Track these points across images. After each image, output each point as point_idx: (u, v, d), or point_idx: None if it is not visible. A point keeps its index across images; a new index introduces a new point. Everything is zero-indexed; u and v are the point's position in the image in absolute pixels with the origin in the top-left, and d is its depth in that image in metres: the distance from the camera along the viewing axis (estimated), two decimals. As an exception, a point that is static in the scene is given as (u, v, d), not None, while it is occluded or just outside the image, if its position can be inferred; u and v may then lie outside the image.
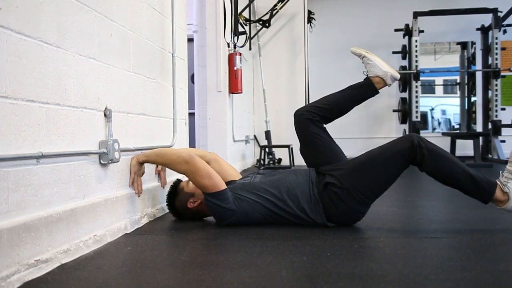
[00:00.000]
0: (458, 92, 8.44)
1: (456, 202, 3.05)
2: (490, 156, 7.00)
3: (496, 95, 6.99)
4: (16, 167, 1.37)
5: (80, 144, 1.73)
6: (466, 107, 8.25)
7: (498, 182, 2.01)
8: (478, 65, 7.83)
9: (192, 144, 5.16)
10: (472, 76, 8.09)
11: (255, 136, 6.65)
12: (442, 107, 8.97)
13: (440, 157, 2.01)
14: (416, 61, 6.98)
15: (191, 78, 5.33)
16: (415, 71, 6.94)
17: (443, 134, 7.84)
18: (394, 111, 8.02)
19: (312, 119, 2.24)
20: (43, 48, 1.52)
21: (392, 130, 8.28)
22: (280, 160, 6.10)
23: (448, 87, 8.99)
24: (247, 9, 5.67)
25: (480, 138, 6.73)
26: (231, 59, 4.88)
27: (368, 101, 2.34)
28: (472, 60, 8.12)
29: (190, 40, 4.77)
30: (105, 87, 1.93)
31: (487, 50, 7.37)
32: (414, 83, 6.98)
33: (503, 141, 6.84)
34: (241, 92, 5.04)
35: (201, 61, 4.84)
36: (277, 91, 6.61)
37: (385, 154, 2.06)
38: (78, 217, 1.66)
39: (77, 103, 1.72)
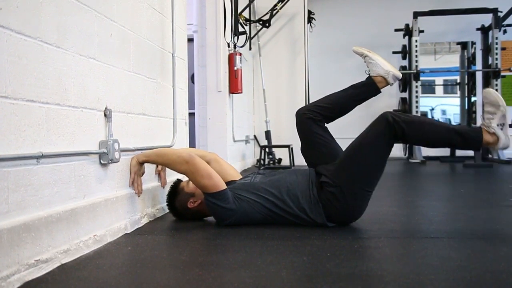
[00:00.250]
0: (458, 92, 8.44)
1: (456, 202, 3.05)
2: (490, 156, 7.00)
3: (496, 95, 6.98)
4: (16, 167, 1.37)
5: (80, 144, 1.73)
6: (466, 107, 8.25)
7: (482, 126, 2.04)
8: (478, 65, 7.83)
9: (192, 144, 5.16)
10: (472, 76, 8.09)
11: (255, 136, 6.65)
12: (442, 107, 8.97)
13: (419, 124, 2.02)
14: (416, 61, 6.99)
15: (191, 78, 5.33)
16: (415, 71, 6.95)
17: (443, 134, 7.83)
18: (394, 111, 8.01)
19: (314, 119, 2.24)
20: (43, 48, 1.52)
21: (392, 130, 8.27)
22: (280, 160, 6.10)
23: (448, 87, 8.99)
24: (247, 9, 5.67)
25: (480, 138, 6.72)
26: (231, 59, 4.88)
27: (368, 101, 2.34)
28: (472, 60, 8.12)
29: (190, 40, 4.77)
30: (105, 87, 1.93)
31: (487, 50, 7.37)
32: (414, 83, 6.98)
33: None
34: (241, 92, 5.04)
35: (201, 61, 4.84)
36: (277, 91, 6.61)
37: (367, 141, 2.06)
38: (78, 217, 1.66)
39: (77, 103, 1.72)
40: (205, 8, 4.68)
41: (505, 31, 7.23)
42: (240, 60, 4.94)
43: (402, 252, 1.71)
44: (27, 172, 1.42)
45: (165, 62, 2.68)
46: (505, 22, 7.13)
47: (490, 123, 2.01)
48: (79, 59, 1.73)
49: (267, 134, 6.13)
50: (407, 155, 7.72)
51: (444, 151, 7.57)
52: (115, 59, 2.03)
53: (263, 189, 2.13)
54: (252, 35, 6.08)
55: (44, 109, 1.51)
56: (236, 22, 4.95)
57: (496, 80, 6.99)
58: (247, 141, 6.07)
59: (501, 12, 6.99)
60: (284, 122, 6.40)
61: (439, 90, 9.13)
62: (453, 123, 8.82)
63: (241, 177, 2.38)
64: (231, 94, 4.98)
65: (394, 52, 7.75)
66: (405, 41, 7.57)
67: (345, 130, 7.34)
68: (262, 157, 5.86)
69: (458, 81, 8.45)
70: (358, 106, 2.31)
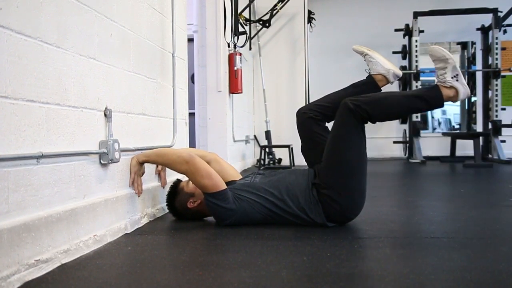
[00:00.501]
0: (459, 92, 8.43)
1: (456, 202, 3.05)
2: (490, 156, 7.00)
3: (496, 95, 6.99)
4: (16, 167, 1.37)
5: (80, 144, 1.73)
6: (466, 107, 8.25)
7: (438, 84, 2.08)
8: (478, 65, 7.84)
9: (192, 144, 5.16)
10: (472, 76, 8.09)
11: (255, 136, 6.65)
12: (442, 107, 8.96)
13: (379, 101, 2.06)
14: (416, 61, 6.99)
15: (191, 78, 5.33)
16: (415, 71, 6.95)
17: (443, 134, 7.85)
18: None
19: (315, 118, 2.24)
20: (43, 48, 1.52)
21: (392, 130, 8.29)
22: (280, 160, 6.10)
23: (448, 87, 8.98)
24: (247, 9, 5.68)
25: (480, 138, 6.73)
26: (231, 59, 4.88)
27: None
28: (472, 60, 8.13)
29: (190, 40, 4.77)
30: (105, 87, 1.93)
31: (487, 50, 7.38)
32: (414, 83, 6.98)
33: (503, 141, 6.84)
34: (241, 92, 5.04)
35: (201, 61, 4.84)
36: (277, 91, 6.61)
37: (340, 135, 2.07)
38: (78, 217, 1.66)
39: (77, 103, 1.72)
40: (205, 8, 4.68)
41: (505, 31, 7.23)
42: (240, 60, 4.94)
43: (402, 252, 1.71)
44: (27, 172, 1.42)
45: (165, 62, 2.68)
46: (505, 22, 7.13)
47: (445, 78, 2.06)
48: (79, 59, 1.73)
49: (267, 134, 6.13)
50: (407, 155, 7.72)
51: (445, 151, 7.57)
52: (115, 59, 2.03)
53: (263, 189, 2.13)
54: (252, 35, 6.08)
55: (44, 109, 1.51)
56: (236, 22, 4.95)
57: (496, 80, 7.00)
58: (247, 141, 6.07)
59: (501, 12, 6.99)
60: (284, 122, 6.40)
61: (439, 90, 9.12)
62: (453, 123, 8.83)
63: (241, 177, 2.38)
64: (231, 94, 4.98)
65: (394, 52, 7.76)
66: (405, 41, 7.57)
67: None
68: (262, 157, 5.86)
69: (458, 81, 8.45)
70: None
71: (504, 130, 6.88)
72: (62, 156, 1.60)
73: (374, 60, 2.24)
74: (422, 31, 7.16)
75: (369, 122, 2.08)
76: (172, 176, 2.61)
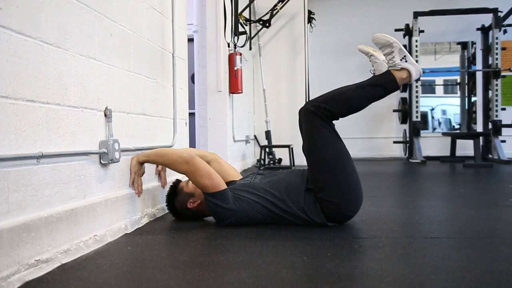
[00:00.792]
0: (459, 92, 8.44)
1: (457, 202, 3.05)
2: (490, 156, 7.00)
3: (497, 95, 6.99)
4: (17, 167, 1.37)
5: (80, 144, 1.73)
6: (466, 107, 8.25)
7: (389, 69, 2.12)
8: (479, 65, 7.84)
9: (192, 144, 5.16)
10: (472, 76, 8.10)
11: (255, 136, 6.65)
12: (443, 107, 8.97)
13: (336, 97, 2.10)
14: (417, 61, 6.96)
15: (191, 78, 5.33)
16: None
17: (444, 134, 7.85)
18: (394, 111, 8.02)
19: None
20: (44, 48, 1.52)
21: (392, 130, 8.29)
22: (280, 160, 6.10)
23: (449, 87, 8.99)
24: (247, 9, 5.68)
25: (481, 138, 6.74)
26: (231, 59, 4.88)
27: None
28: (472, 60, 8.13)
29: (190, 40, 4.77)
30: (105, 87, 1.93)
31: (487, 50, 7.38)
32: (414, 83, 6.98)
33: (504, 141, 6.84)
34: (241, 92, 5.04)
35: (201, 61, 4.84)
36: (277, 91, 6.61)
37: (312, 139, 2.09)
38: (78, 217, 1.66)
39: (78, 103, 1.72)
40: (205, 8, 4.68)
41: (505, 31, 7.23)
42: (240, 60, 4.94)
43: (402, 252, 1.71)
44: (27, 172, 1.42)
45: (165, 62, 2.68)
46: (505, 22, 7.13)
47: (394, 61, 2.10)
48: (79, 59, 1.73)
49: (267, 134, 6.13)
50: (407, 155, 7.72)
51: (445, 151, 7.57)
52: (115, 59, 2.03)
53: (263, 190, 2.13)
54: (252, 35, 6.08)
55: (44, 109, 1.51)
56: (236, 22, 4.95)
57: (496, 80, 6.99)
58: (247, 141, 6.06)
59: (501, 12, 6.99)
60: (284, 122, 6.40)
61: (439, 90, 9.13)
62: (453, 123, 8.83)
63: (241, 177, 2.38)
64: (231, 94, 4.98)
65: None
66: (406, 41, 7.56)
67: (344, 130, 7.35)
68: (262, 157, 5.86)
69: (458, 81, 8.46)
70: None
71: (504, 130, 6.89)
72: (62, 156, 1.60)
73: (379, 61, 2.22)
74: (422, 31, 7.16)
75: (339, 119, 2.11)
76: (172, 176, 2.61)
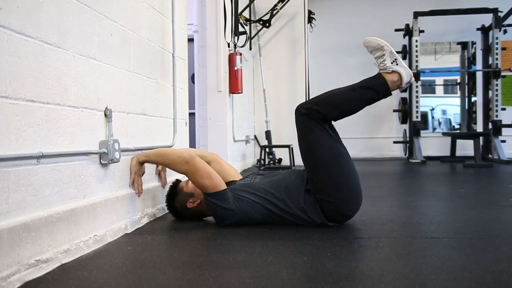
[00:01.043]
0: (459, 92, 8.44)
1: (457, 202, 3.05)
2: (490, 156, 7.00)
3: (497, 95, 6.99)
4: (17, 167, 1.37)
5: (80, 144, 1.73)
6: (466, 107, 8.25)
7: (380, 72, 2.13)
8: (479, 65, 7.83)
9: (192, 144, 5.16)
10: (472, 76, 8.10)
11: (255, 136, 6.65)
12: (443, 107, 8.97)
13: (328, 99, 2.10)
14: (417, 61, 6.99)
15: (192, 78, 5.33)
16: (415, 71, 6.94)
17: (444, 134, 7.85)
18: (394, 111, 8.02)
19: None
20: (44, 48, 1.52)
21: (393, 130, 8.29)
22: (280, 160, 6.10)
23: (449, 87, 8.99)
24: (248, 9, 5.68)
25: (481, 138, 6.74)
26: (231, 59, 4.88)
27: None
28: (472, 60, 8.13)
29: (191, 40, 4.77)
30: (105, 87, 1.93)
31: (487, 50, 7.38)
32: (414, 83, 6.98)
33: (504, 141, 6.84)
34: (242, 92, 5.04)
35: (201, 61, 4.84)
36: (277, 91, 6.61)
37: (307, 141, 2.10)
38: (78, 217, 1.66)
39: (78, 103, 1.72)
40: (206, 8, 4.68)
41: (505, 31, 7.23)
42: (240, 60, 4.94)
43: (402, 252, 1.71)
44: (28, 172, 1.42)
45: (166, 62, 2.68)
46: (505, 22, 7.13)
47: (385, 64, 2.11)
48: (79, 59, 1.73)
49: (267, 134, 6.13)
50: (407, 155, 7.72)
51: (445, 151, 7.57)
52: (115, 59, 2.03)
53: (263, 190, 2.13)
54: (252, 35, 6.08)
55: (44, 109, 1.51)
56: (236, 22, 4.95)
57: (496, 80, 6.99)
58: (247, 141, 6.06)
59: (501, 12, 6.99)
60: (284, 122, 6.40)
61: (439, 90, 9.13)
62: (453, 123, 8.83)
63: (241, 177, 2.38)
64: (231, 94, 4.98)
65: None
66: (406, 41, 7.57)
67: (344, 130, 7.35)
68: (262, 157, 5.86)
69: (459, 81, 8.46)
70: None
71: (504, 130, 6.88)
72: (62, 156, 1.61)
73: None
74: (422, 31, 7.16)
75: (328, 120, 2.11)
76: (172, 176, 2.61)
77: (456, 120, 8.71)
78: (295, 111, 2.13)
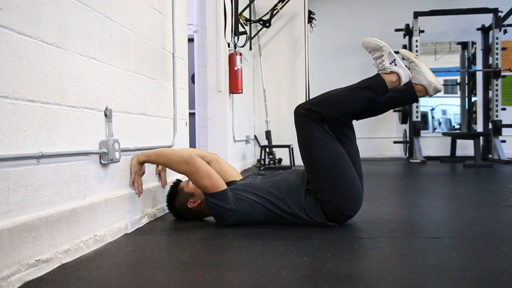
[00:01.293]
0: (459, 92, 8.44)
1: (457, 202, 3.05)
2: (490, 156, 7.00)
3: (497, 95, 6.99)
4: (17, 167, 1.37)
5: (80, 144, 1.73)
6: (466, 107, 8.25)
7: (379, 72, 2.13)
8: (479, 65, 7.83)
9: (192, 144, 5.16)
10: (472, 76, 8.09)
11: (255, 136, 6.65)
12: (443, 107, 8.97)
13: (327, 99, 2.10)
14: (417, 61, 6.97)
15: (192, 78, 5.33)
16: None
17: (444, 134, 7.85)
18: (394, 111, 8.02)
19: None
20: (44, 48, 1.52)
21: (393, 130, 8.29)
22: (280, 160, 6.10)
23: (449, 87, 8.99)
24: (248, 9, 5.67)
25: (481, 138, 6.73)
26: (231, 59, 4.88)
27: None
28: (472, 60, 8.13)
29: (191, 40, 4.77)
30: (105, 87, 1.93)
31: (487, 50, 7.37)
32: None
33: (504, 141, 6.84)
34: (242, 92, 5.04)
35: (201, 61, 4.84)
36: (277, 91, 6.61)
37: (306, 141, 2.10)
38: (78, 217, 1.67)
39: (78, 103, 1.72)
40: (206, 8, 4.68)
41: (505, 31, 7.23)
42: (241, 60, 4.94)
43: (402, 252, 1.71)
44: (28, 172, 1.42)
45: (166, 62, 2.68)
46: (506, 22, 7.13)
47: (383, 65, 2.12)
48: (79, 59, 1.73)
49: (268, 134, 6.13)
50: (407, 155, 7.72)
51: (445, 151, 7.57)
52: (115, 59, 2.03)
53: (264, 190, 2.13)
54: (252, 35, 6.08)
55: (44, 109, 1.51)
56: (236, 22, 4.95)
57: (497, 80, 6.99)
58: (247, 141, 6.06)
59: (502, 12, 6.99)
60: (284, 122, 6.40)
61: (439, 90, 9.12)
62: (453, 123, 8.83)
63: (241, 177, 2.38)
64: (231, 94, 4.98)
65: (394, 52, 7.75)
66: (406, 41, 7.57)
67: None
68: (263, 157, 5.86)
69: (459, 81, 8.45)
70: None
71: (505, 130, 6.88)
72: (62, 156, 1.61)
73: (418, 69, 2.20)
74: (422, 31, 7.16)
75: (327, 121, 2.10)
76: (172, 176, 2.61)
77: (456, 120, 8.72)
78: (294, 112, 2.13)
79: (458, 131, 8.47)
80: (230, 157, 4.82)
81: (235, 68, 4.86)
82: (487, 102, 7.40)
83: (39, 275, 1.40)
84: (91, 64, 1.82)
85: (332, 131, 2.13)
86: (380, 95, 2.13)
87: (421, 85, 2.20)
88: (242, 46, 5.29)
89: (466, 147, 7.36)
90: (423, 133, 7.33)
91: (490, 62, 7.17)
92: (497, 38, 6.98)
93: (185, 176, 2.21)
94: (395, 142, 7.92)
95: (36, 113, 1.47)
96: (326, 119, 2.09)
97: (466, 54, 8.21)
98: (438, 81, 2.21)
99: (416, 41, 7.01)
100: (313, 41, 7.55)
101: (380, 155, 8.21)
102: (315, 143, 2.07)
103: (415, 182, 4.51)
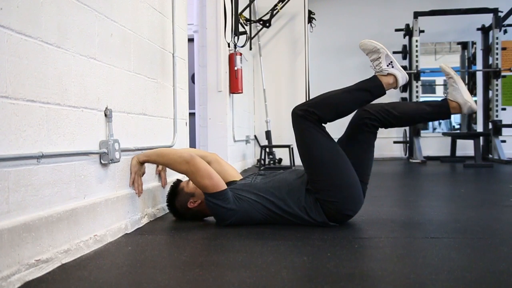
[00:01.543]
0: (459, 92, 8.42)
1: (457, 202, 3.05)
2: (490, 156, 7.00)
3: (497, 95, 6.99)
4: (17, 167, 1.37)
5: (80, 144, 1.73)
6: (466, 107, 8.23)
7: (376, 74, 2.14)
8: (479, 65, 7.83)
9: (192, 144, 5.16)
10: (472, 76, 8.09)
11: (255, 136, 6.65)
12: (443, 107, 8.95)
13: (323, 101, 2.10)
14: (417, 61, 6.99)
15: (192, 78, 5.33)
16: (415, 71, 6.95)
17: (444, 134, 7.84)
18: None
19: (370, 124, 2.19)
20: (44, 48, 1.52)
21: (392, 130, 8.27)
22: (280, 160, 6.10)
23: (449, 87, 8.98)
24: (248, 9, 5.68)
25: (481, 138, 6.73)
26: (231, 59, 4.88)
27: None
28: (472, 60, 8.13)
29: (191, 40, 4.78)
30: (105, 87, 1.93)
31: (487, 50, 7.37)
32: (414, 83, 6.99)
33: (504, 141, 6.84)
34: (242, 92, 5.04)
35: (201, 61, 4.84)
36: (277, 91, 6.61)
37: (304, 142, 2.10)
38: (78, 217, 1.67)
39: (78, 103, 1.72)
40: (206, 8, 4.68)
41: (505, 31, 7.23)
42: (241, 60, 4.94)
43: (402, 252, 1.71)
44: (28, 172, 1.42)
45: (166, 62, 2.68)
46: (506, 22, 7.13)
47: (381, 67, 2.12)
48: (79, 59, 1.73)
49: (268, 134, 6.13)
50: (407, 155, 7.72)
51: (445, 151, 7.57)
52: (115, 59, 2.03)
53: (264, 189, 2.13)
54: (252, 35, 6.08)
55: (44, 109, 1.52)
56: (236, 22, 4.95)
57: (497, 80, 6.99)
58: (247, 141, 6.06)
59: (502, 12, 6.99)
60: (284, 122, 6.40)
61: (439, 90, 9.13)
62: (453, 123, 8.83)
63: (241, 177, 2.38)
64: (231, 94, 4.98)
65: (394, 52, 7.75)
66: (406, 41, 7.57)
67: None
68: (263, 157, 5.86)
69: (459, 81, 8.44)
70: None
71: (505, 130, 6.88)
72: (62, 156, 1.61)
73: (456, 86, 2.17)
74: (422, 31, 7.16)
75: (324, 122, 2.11)
76: (172, 176, 2.61)
77: (456, 120, 8.71)
78: (292, 113, 2.13)
79: (458, 131, 8.47)
80: (230, 157, 4.82)
81: (235, 68, 4.86)
82: (487, 102, 7.40)
83: (39, 275, 1.40)
84: (91, 64, 1.82)
85: (355, 133, 2.16)
86: (377, 97, 2.13)
87: (456, 102, 2.16)
88: (242, 46, 5.29)
89: (466, 147, 7.36)
90: (423, 133, 7.33)
91: (490, 62, 7.17)
92: (497, 38, 6.98)
93: (185, 176, 2.21)
94: (395, 142, 7.92)
95: (36, 113, 1.47)
96: (323, 120, 2.10)
97: (466, 54, 8.21)
98: (473, 101, 2.18)
99: (416, 41, 7.01)
100: (313, 41, 7.55)
101: (380, 155, 8.20)
102: (313, 143, 2.07)
103: (415, 182, 4.51)
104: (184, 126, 3.00)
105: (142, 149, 2.27)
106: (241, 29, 5.19)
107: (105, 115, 1.92)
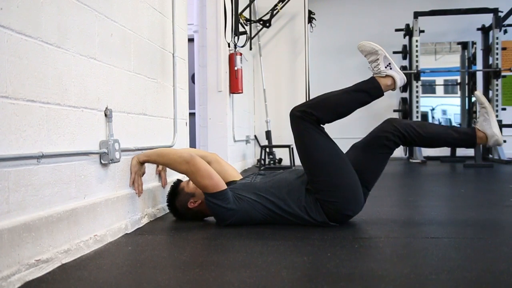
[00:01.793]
0: (459, 92, 8.44)
1: (457, 202, 3.05)
2: (490, 156, 7.00)
3: (497, 95, 6.99)
4: (17, 167, 1.37)
5: (80, 144, 1.73)
6: (466, 107, 8.24)
7: (374, 75, 2.14)
8: (479, 65, 7.83)
9: (192, 144, 5.16)
10: (472, 76, 8.08)
11: (255, 136, 6.65)
12: (443, 107, 8.96)
13: (321, 102, 2.11)
14: (417, 61, 6.98)
15: (192, 78, 5.33)
16: (415, 71, 6.95)
17: (444, 134, 7.83)
18: (394, 111, 8.01)
19: (393, 140, 2.15)
20: (44, 48, 1.52)
21: (393, 130, 8.27)
22: (280, 160, 6.10)
23: (449, 87, 8.98)
24: (248, 9, 5.67)
25: (481, 138, 6.71)
26: (231, 59, 4.88)
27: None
28: (472, 60, 8.12)
29: (191, 40, 4.77)
30: (105, 87, 1.93)
31: (487, 50, 7.37)
32: (414, 83, 6.99)
33: (504, 141, 6.82)
34: (242, 92, 5.04)
35: (201, 61, 4.84)
36: (277, 91, 6.61)
37: (303, 142, 2.10)
38: (78, 217, 1.67)
39: (78, 103, 1.72)
40: (206, 8, 4.68)
41: (505, 31, 7.22)
42: (241, 60, 4.94)
43: (402, 252, 1.71)
44: (28, 172, 1.43)
45: (166, 62, 2.68)
46: (506, 22, 7.12)
47: (379, 69, 2.12)
48: (79, 59, 1.73)
49: (268, 134, 6.13)
50: (407, 155, 7.72)
51: (445, 151, 7.57)
52: (115, 59, 2.03)
53: (264, 189, 2.14)
54: (252, 35, 6.08)
55: (44, 109, 1.52)
56: (236, 22, 4.95)
57: (497, 80, 6.99)
58: (247, 141, 6.06)
59: (502, 12, 6.98)
60: (284, 122, 6.37)
61: (439, 90, 9.12)
62: (454, 123, 8.82)
63: (241, 177, 2.38)
64: (231, 94, 4.98)
65: (394, 52, 7.75)
66: (406, 41, 7.56)
67: (345, 130, 7.36)
68: (263, 157, 5.86)
69: (459, 81, 8.44)
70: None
71: (505, 130, 6.86)
72: (62, 156, 1.61)
73: (487, 117, 2.15)
74: (422, 31, 7.15)
75: (322, 124, 2.12)
76: (172, 176, 2.61)
77: (456, 120, 8.70)
78: (290, 115, 2.13)
79: (458, 131, 8.45)
80: (230, 157, 4.82)
81: (235, 68, 4.86)
82: (487, 102, 7.39)
83: (39, 275, 1.40)
84: (91, 64, 1.82)
85: (373, 144, 2.15)
86: (374, 98, 2.13)
87: (484, 133, 2.14)
88: (242, 46, 5.29)
89: (466, 147, 7.35)
90: (423, 133, 7.31)
91: (490, 62, 7.17)
92: (497, 38, 6.98)
93: (185, 176, 2.21)
94: (395, 142, 7.90)
95: (36, 113, 1.47)
96: (321, 121, 2.10)
97: (466, 54, 8.20)
98: (501, 135, 2.16)
99: (416, 41, 7.01)
100: (313, 41, 7.55)
101: (380, 155, 8.19)
102: (312, 144, 2.07)
103: (415, 182, 4.51)
104: (184, 126, 3.00)
105: (142, 149, 2.27)
106: (241, 29, 5.19)
107: (105, 115, 1.92)
